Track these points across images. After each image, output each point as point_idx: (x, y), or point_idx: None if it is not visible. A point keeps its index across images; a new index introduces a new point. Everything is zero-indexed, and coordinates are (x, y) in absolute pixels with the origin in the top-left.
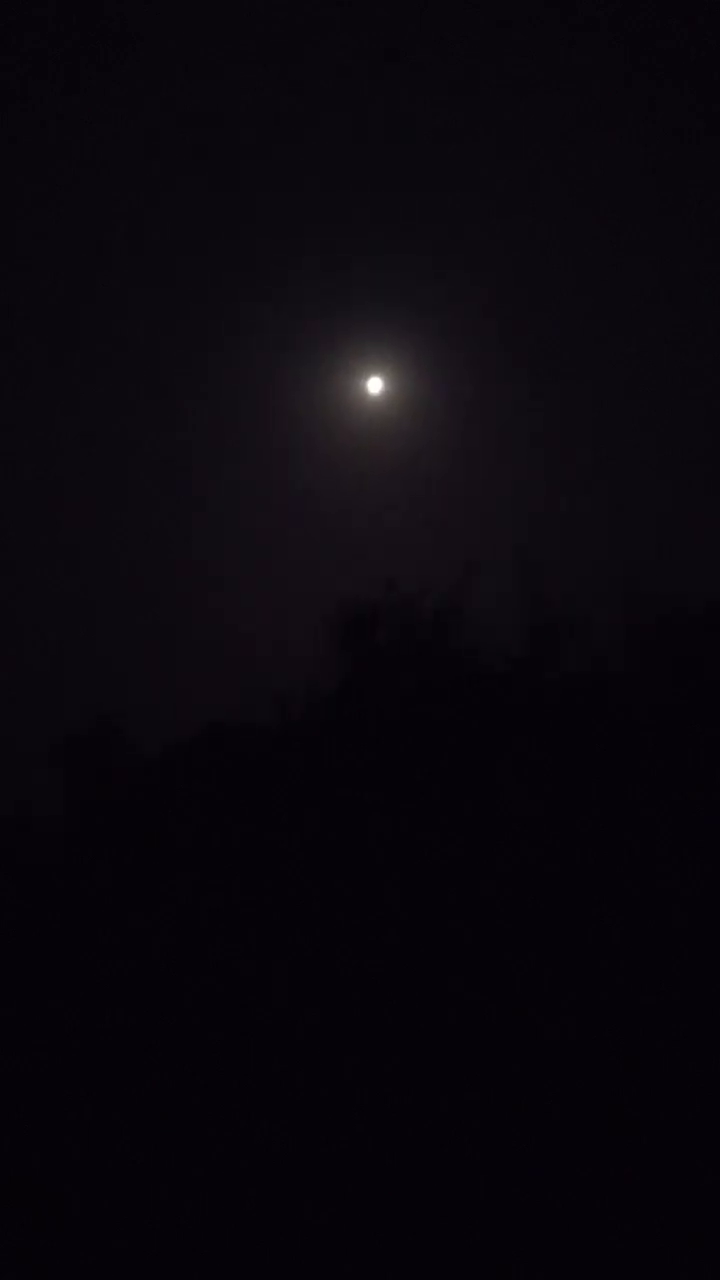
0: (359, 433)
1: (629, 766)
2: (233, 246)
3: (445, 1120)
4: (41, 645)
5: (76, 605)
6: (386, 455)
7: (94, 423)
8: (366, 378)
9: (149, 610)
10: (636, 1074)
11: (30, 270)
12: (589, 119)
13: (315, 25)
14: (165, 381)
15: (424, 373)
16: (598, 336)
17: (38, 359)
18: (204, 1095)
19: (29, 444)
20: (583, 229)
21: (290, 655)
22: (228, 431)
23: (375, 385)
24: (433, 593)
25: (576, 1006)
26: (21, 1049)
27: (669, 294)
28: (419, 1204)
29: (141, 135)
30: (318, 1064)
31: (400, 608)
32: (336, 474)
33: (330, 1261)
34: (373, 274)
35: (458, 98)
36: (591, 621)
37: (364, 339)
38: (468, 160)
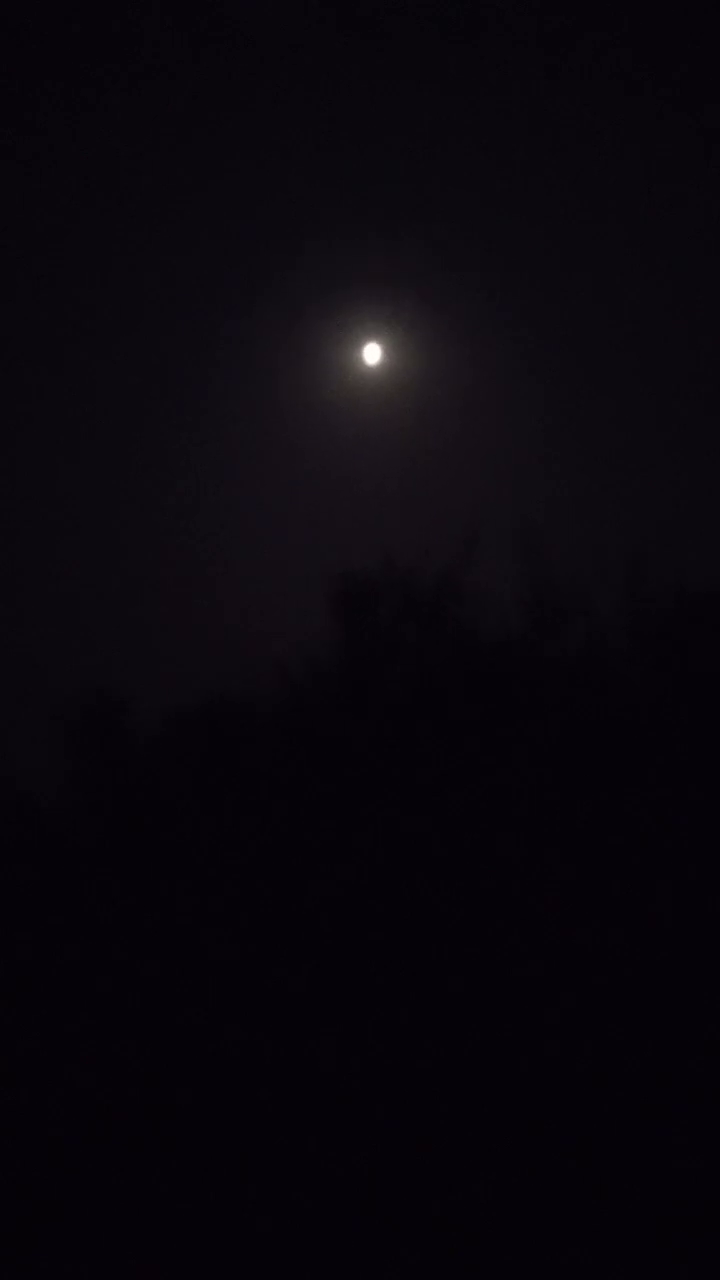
0: (356, 403)
1: (630, 743)
2: (228, 214)
3: (446, 1116)
4: (37, 620)
5: (71, 580)
6: (384, 426)
7: (88, 396)
8: (363, 346)
9: (144, 584)
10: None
11: (30, 242)
12: (590, 89)
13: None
14: (156, 352)
15: (423, 341)
16: (601, 307)
17: (31, 332)
18: (203, 1075)
19: (24, 417)
20: (585, 196)
21: (288, 628)
22: (221, 403)
23: (373, 354)
24: (432, 566)
25: (580, 987)
26: (21, 1028)
27: (673, 266)
28: (418, 1200)
29: (141, 107)
30: (320, 1044)
31: (399, 581)
32: (333, 445)
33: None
34: (370, 240)
35: (456, 65)
36: (592, 598)
37: (361, 305)
38: (466, 126)
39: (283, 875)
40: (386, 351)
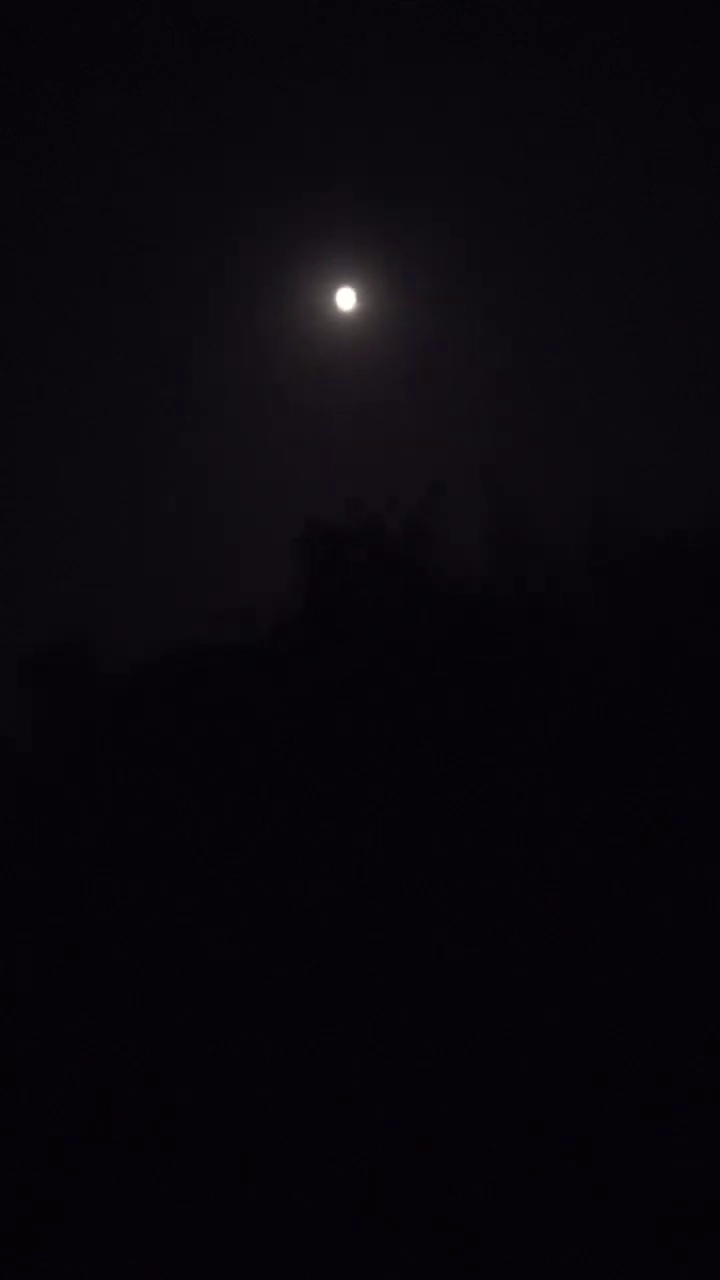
0: (328, 349)
1: (596, 687)
2: (197, 152)
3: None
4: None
5: (34, 526)
6: (356, 372)
7: (57, 342)
8: (337, 289)
9: (108, 531)
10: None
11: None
12: (581, 41)
13: None
14: (126, 299)
15: (399, 286)
16: (578, 255)
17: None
18: (183, 1035)
19: None
20: (567, 143)
21: (256, 575)
22: (189, 349)
23: (346, 298)
24: (400, 512)
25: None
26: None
27: (652, 213)
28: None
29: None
30: (307, 1007)
31: (367, 527)
32: (304, 391)
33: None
34: (345, 178)
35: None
36: (557, 544)
37: (335, 247)
38: (446, 69)
39: (257, 820)
40: (362, 297)
